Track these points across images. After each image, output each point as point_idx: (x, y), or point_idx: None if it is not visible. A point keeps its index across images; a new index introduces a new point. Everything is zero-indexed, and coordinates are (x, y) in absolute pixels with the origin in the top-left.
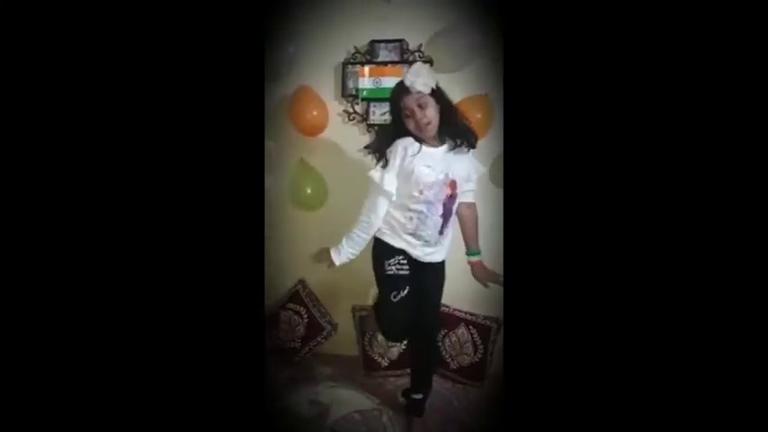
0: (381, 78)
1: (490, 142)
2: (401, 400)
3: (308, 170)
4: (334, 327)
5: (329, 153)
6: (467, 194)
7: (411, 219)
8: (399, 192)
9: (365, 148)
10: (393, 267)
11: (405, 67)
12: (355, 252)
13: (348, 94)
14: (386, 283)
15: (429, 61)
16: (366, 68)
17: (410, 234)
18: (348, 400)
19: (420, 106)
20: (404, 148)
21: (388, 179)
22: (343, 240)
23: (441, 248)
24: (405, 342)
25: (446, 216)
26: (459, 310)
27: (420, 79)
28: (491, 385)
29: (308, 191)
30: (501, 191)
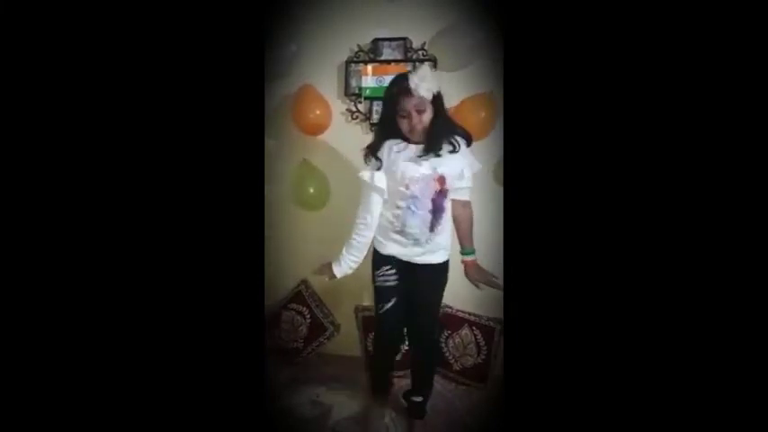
0: (385, 77)
1: (494, 141)
2: (402, 401)
3: (311, 170)
4: (337, 327)
5: (332, 152)
6: (461, 192)
7: (398, 216)
8: (389, 189)
9: (366, 148)
10: (380, 279)
11: (408, 66)
12: (357, 259)
13: (351, 93)
14: (375, 295)
15: (432, 59)
16: (369, 67)
17: (398, 232)
18: (350, 400)
19: (418, 111)
20: (389, 147)
21: (378, 177)
22: (344, 250)
23: (436, 248)
24: (406, 343)
25: (436, 212)
26: (463, 311)
27: (425, 84)
28: (494, 387)
29: (311, 191)
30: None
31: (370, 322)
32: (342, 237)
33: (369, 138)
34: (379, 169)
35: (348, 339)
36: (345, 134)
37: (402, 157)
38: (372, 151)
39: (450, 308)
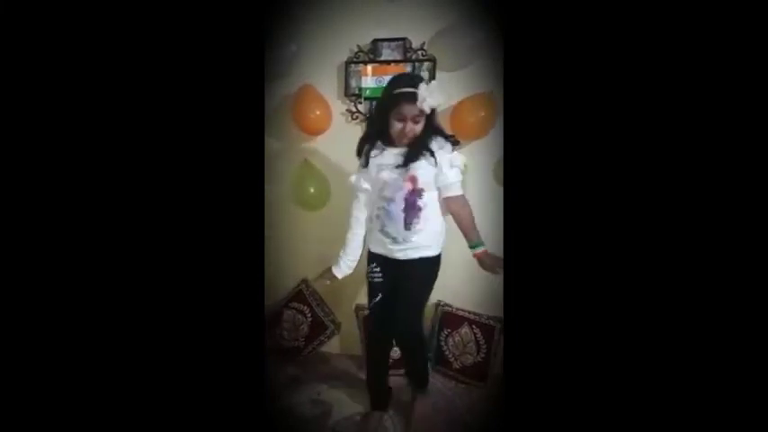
0: (384, 77)
1: (493, 140)
2: (407, 398)
3: (312, 170)
4: (338, 326)
5: (332, 153)
6: (451, 188)
7: (378, 216)
8: (370, 191)
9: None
10: (369, 276)
11: (408, 66)
12: (353, 258)
13: (351, 94)
14: (368, 290)
15: (432, 60)
16: (369, 67)
17: (380, 231)
18: (351, 399)
19: (414, 120)
20: (368, 151)
21: (364, 177)
22: (341, 251)
23: (418, 245)
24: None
25: (409, 210)
26: (463, 310)
27: (431, 99)
28: (494, 385)
29: (312, 190)
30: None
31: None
32: (343, 236)
33: None
34: (365, 166)
35: (349, 338)
36: (345, 134)
37: (378, 161)
38: (360, 148)
39: (450, 306)
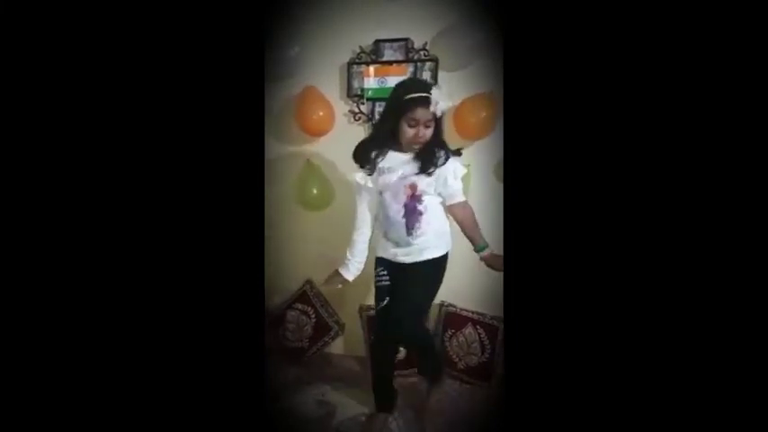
0: (387, 78)
1: (495, 140)
2: (412, 399)
3: (315, 171)
4: (342, 327)
5: (335, 153)
6: (454, 196)
7: (380, 221)
8: (374, 193)
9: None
10: (376, 279)
11: (410, 66)
12: (361, 259)
13: (353, 94)
14: (375, 294)
15: (434, 60)
16: (371, 68)
17: (383, 237)
18: (355, 400)
19: (426, 125)
20: (375, 157)
21: (369, 176)
22: (348, 253)
23: (421, 247)
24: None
25: (410, 216)
26: (467, 310)
27: (443, 103)
28: (498, 385)
29: (314, 191)
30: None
31: (374, 322)
32: (345, 237)
33: None
34: (370, 174)
35: (353, 339)
36: (348, 135)
37: (382, 164)
38: (361, 153)
39: (454, 307)
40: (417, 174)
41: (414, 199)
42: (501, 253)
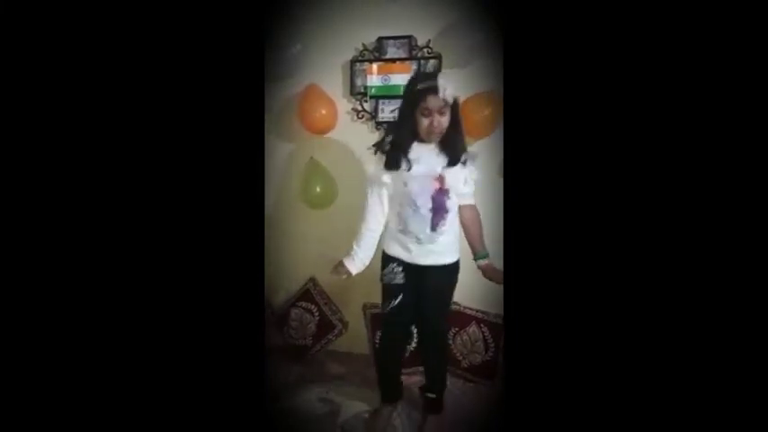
0: (390, 75)
1: (498, 138)
2: (418, 397)
3: (318, 169)
4: (345, 325)
5: (338, 151)
6: (465, 197)
7: (400, 214)
8: (393, 188)
9: (373, 146)
10: (386, 277)
11: (413, 64)
12: (368, 254)
13: (357, 92)
14: (382, 293)
15: (438, 57)
16: (374, 66)
17: (401, 232)
18: (359, 398)
19: (440, 112)
20: (405, 153)
21: (384, 170)
22: (354, 245)
23: (441, 249)
24: (415, 340)
25: (437, 211)
26: (471, 309)
27: (452, 87)
28: (502, 384)
29: (318, 189)
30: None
31: (378, 320)
32: (349, 234)
33: (375, 136)
34: (409, 170)
35: (356, 337)
36: (351, 133)
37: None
38: (398, 154)
39: (458, 305)
40: (445, 167)
41: (441, 193)
42: (501, 257)
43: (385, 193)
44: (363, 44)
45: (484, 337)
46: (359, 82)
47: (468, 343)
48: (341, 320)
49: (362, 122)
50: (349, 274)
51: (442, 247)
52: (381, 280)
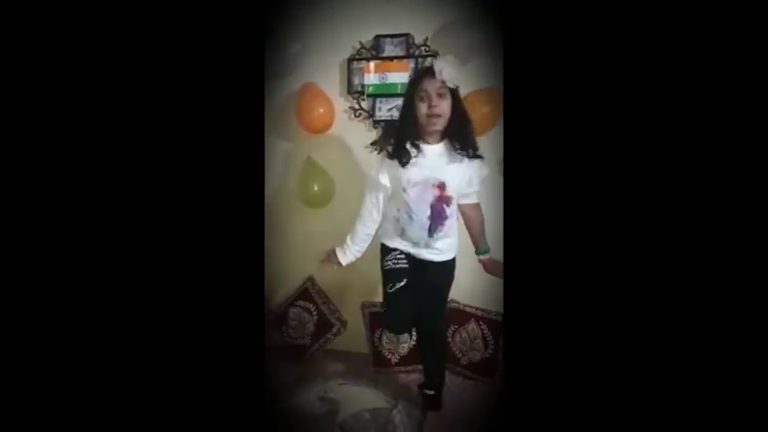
0: (387, 74)
1: (498, 135)
2: (417, 393)
3: (316, 168)
4: (344, 323)
5: (336, 150)
6: (470, 196)
7: (398, 219)
8: (391, 191)
9: (371, 144)
10: (390, 262)
11: (411, 62)
12: (360, 249)
13: (354, 91)
14: (384, 277)
15: (435, 55)
16: (372, 64)
17: (399, 236)
18: (358, 396)
19: (439, 95)
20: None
21: (386, 172)
22: (348, 239)
23: (439, 251)
24: (413, 338)
25: (435, 218)
26: (470, 306)
27: (449, 69)
28: (501, 381)
29: (316, 188)
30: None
31: (376, 318)
32: (347, 233)
33: (373, 135)
34: (381, 161)
35: (355, 336)
36: (349, 132)
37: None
38: (382, 145)
39: (458, 303)
40: (450, 163)
41: (441, 200)
42: (502, 253)
43: (382, 196)
44: (360, 42)
45: (483, 334)
46: (356, 80)
47: (467, 340)
48: (339, 319)
49: (360, 121)
50: (339, 264)
51: (438, 249)
52: (383, 268)
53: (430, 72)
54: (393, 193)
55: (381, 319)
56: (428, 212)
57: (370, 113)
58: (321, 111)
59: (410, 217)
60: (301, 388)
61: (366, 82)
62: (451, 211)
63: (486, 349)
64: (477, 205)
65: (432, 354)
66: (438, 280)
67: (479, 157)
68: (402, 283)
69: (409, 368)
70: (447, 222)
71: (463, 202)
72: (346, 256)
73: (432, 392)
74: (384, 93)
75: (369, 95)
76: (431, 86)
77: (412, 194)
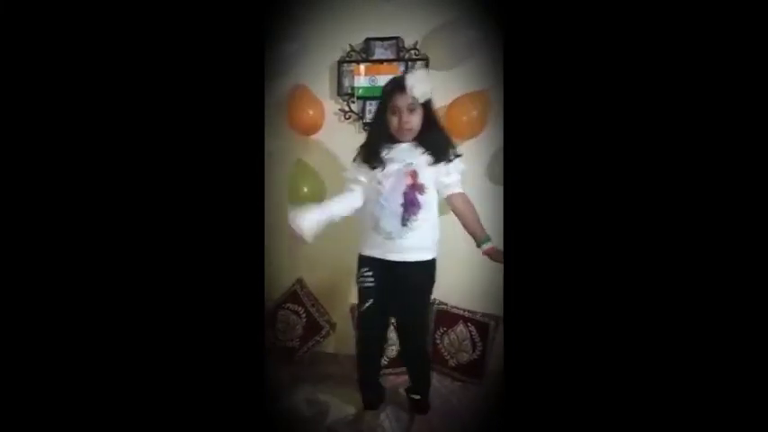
0: (377, 77)
1: (486, 139)
2: (403, 398)
3: (305, 169)
4: (333, 326)
5: (325, 152)
6: (452, 186)
7: (373, 212)
8: (368, 183)
9: (360, 148)
10: (359, 280)
11: (401, 65)
12: (320, 217)
13: (344, 93)
14: (358, 295)
15: (425, 59)
16: (362, 67)
17: (373, 229)
18: (347, 399)
19: (409, 110)
20: (378, 151)
21: (360, 169)
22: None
23: (412, 244)
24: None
25: (408, 206)
26: (458, 308)
27: (420, 86)
28: (490, 382)
29: (305, 190)
30: (500, 188)
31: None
32: (337, 235)
33: (362, 137)
34: (376, 168)
35: (344, 338)
36: (339, 134)
37: (384, 155)
38: (369, 152)
39: (445, 304)
40: (418, 156)
41: (414, 188)
42: (501, 252)
43: (360, 189)
44: (351, 45)
45: (471, 336)
46: (346, 83)
47: (455, 342)
48: (328, 322)
49: (350, 123)
50: (300, 229)
51: (415, 242)
52: (357, 284)
53: (400, 87)
54: (369, 188)
55: None
56: (401, 200)
57: (360, 116)
58: (311, 112)
59: (383, 205)
60: (290, 391)
61: (356, 84)
62: (425, 199)
63: (474, 351)
64: (462, 194)
65: (414, 358)
66: (414, 282)
67: (458, 155)
68: (368, 304)
69: (398, 370)
70: (420, 212)
71: (449, 192)
72: (305, 221)
73: (418, 397)
74: (374, 95)
75: (359, 98)
76: (401, 101)
77: (387, 185)
